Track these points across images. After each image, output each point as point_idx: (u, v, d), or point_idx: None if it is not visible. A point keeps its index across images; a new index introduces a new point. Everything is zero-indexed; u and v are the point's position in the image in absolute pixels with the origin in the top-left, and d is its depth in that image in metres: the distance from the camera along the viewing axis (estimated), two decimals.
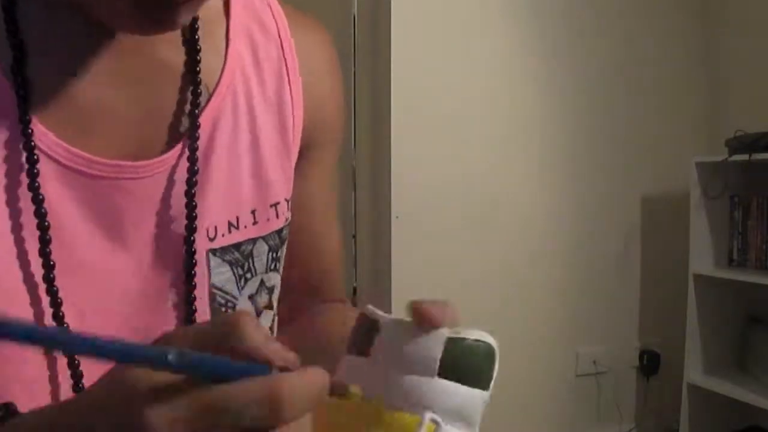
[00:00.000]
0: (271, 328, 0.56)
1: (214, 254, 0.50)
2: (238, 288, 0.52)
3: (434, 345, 0.36)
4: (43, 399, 0.43)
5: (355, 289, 2.33)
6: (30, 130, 0.42)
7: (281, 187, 0.55)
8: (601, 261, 2.47)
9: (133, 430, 0.27)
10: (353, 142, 2.31)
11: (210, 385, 0.27)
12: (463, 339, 0.37)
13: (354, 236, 2.33)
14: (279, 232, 0.55)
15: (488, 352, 0.38)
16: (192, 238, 0.48)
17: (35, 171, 0.42)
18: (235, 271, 0.52)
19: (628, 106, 2.48)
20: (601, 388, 2.49)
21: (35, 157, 0.42)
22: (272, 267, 0.55)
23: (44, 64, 0.44)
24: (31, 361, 0.43)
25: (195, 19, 0.50)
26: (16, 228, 0.42)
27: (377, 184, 2.25)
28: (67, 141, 0.44)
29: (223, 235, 0.50)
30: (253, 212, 0.53)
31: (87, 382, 0.44)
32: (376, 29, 2.23)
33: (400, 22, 2.15)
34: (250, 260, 0.53)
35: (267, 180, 0.54)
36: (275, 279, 0.56)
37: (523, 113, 2.33)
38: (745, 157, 2.06)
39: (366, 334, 0.38)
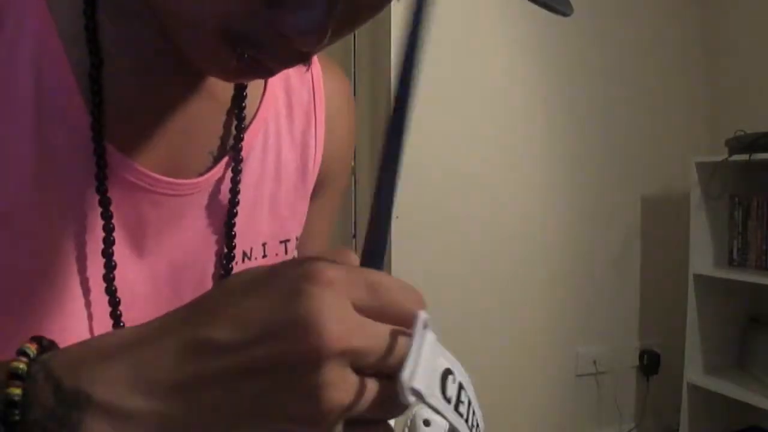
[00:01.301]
0: None
1: None
2: None
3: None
4: None
5: None
6: (101, 126, 0.43)
7: (293, 225, 0.57)
8: (601, 261, 2.47)
9: (306, 288, 0.28)
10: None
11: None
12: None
13: (354, 236, 2.33)
14: None
15: None
16: (232, 255, 0.50)
17: (104, 174, 0.43)
18: None
19: (628, 107, 2.48)
20: (601, 388, 2.49)
21: (104, 162, 0.43)
22: None
23: (117, 74, 0.45)
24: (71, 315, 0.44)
25: None
26: (81, 230, 0.43)
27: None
28: (118, 146, 0.45)
29: (236, 264, 0.51)
30: (263, 245, 0.54)
31: None
32: (376, 29, 2.23)
33: (401, 24, 2.14)
34: None
35: (282, 217, 0.55)
36: None
37: (524, 113, 2.33)
38: (745, 157, 2.06)
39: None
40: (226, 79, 0.44)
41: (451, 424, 0.31)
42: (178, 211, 0.48)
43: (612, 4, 2.44)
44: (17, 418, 0.28)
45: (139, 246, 0.47)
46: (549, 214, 2.38)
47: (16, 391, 0.28)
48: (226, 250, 0.50)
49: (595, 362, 2.46)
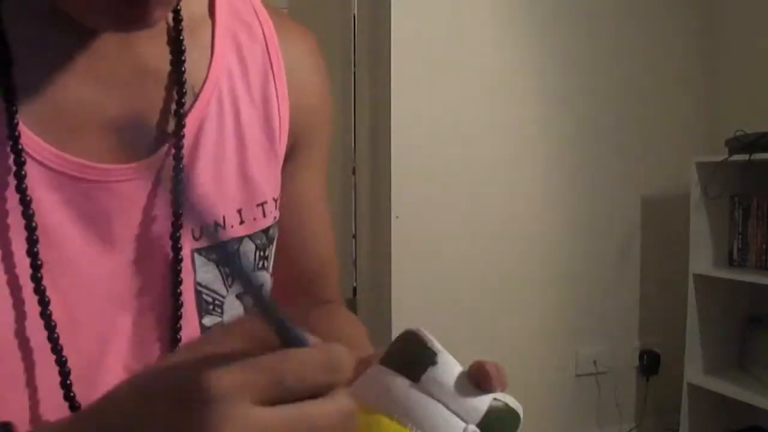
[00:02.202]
0: None
1: (199, 253, 0.50)
2: (225, 286, 0.52)
3: (484, 400, 0.39)
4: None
5: (355, 289, 2.34)
6: (17, 134, 0.42)
7: (268, 186, 0.55)
8: (601, 261, 2.47)
9: (197, 400, 0.26)
10: (353, 142, 2.31)
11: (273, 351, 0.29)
12: (505, 404, 0.41)
13: (354, 236, 2.33)
14: (266, 231, 0.56)
15: (517, 421, 0.42)
16: (177, 236, 0.49)
17: (23, 173, 0.42)
18: (222, 269, 0.52)
19: (628, 107, 2.48)
20: (601, 388, 2.49)
21: (23, 160, 0.42)
22: (260, 266, 0.56)
23: (29, 68, 0.44)
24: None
25: (179, 21, 0.51)
26: (3, 229, 0.43)
27: (377, 184, 2.25)
28: (55, 145, 0.44)
29: (200, 237, 0.51)
30: (239, 211, 0.53)
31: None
32: (376, 29, 2.23)
33: (400, 22, 2.15)
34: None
35: (253, 180, 0.54)
36: (264, 277, 0.57)
37: (523, 112, 2.33)
38: (745, 157, 2.06)
39: (420, 360, 0.40)
40: (116, 27, 0.43)
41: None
42: (134, 196, 0.47)
43: (612, 3, 2.44)
44: None
45: (109, 240, 0.46)
46: (549, 214, 2.38)
47: None
48: (171, 231, 0.48)
49: (595, 362, 2.46)
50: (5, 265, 0.43)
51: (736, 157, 2.09)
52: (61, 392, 0.44)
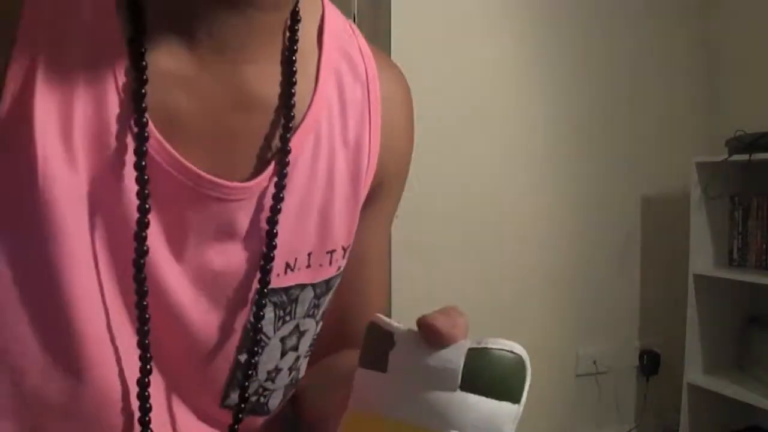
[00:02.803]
0: (291, 368, 0.54)
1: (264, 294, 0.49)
2: (274, 329, 0.51)
3: (455, 357, 0.35)
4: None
5: None
6: (145, 120, 0.42)
7: (342, 234, 0.53)
8: (601, 261, 2.47)
9: None
10: None
11: None
12: (486, 349, 0.35)
13: None
14: (328, 281, 0.53)
15: (516, 362, 0.36)
16: (267, 275, 0.47)
17: (143, 149, 0.42)
18: (277, 312, 0.50)
19: (628, 107, 2.48)
20: (601, 388, 2.49)
21: (146, 135, 0.42)
22: (310, 313, 0.53)
23: (162, 57, 0.43)
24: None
25: (294, 44, 0.49)
26: (114, 207, 0.42)
27: None
28: (164, 136, 0.43)
29: (278, 275, 0.49)
30: (309, 255, 0.51)
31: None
32: (376, 29, 2.23)
33: (400, 22, 2.14)
34: (294, 305, 0.51)
35: (332, 225, 0.52)
36: (309, 324, 0.54)
37: (523, 113, 2.33)
38: (745, 157, 2.06)
39: (380, 347, 0.36)
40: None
41: None
42: (222, 217, 0.46)
43: (613, 5, 2.44)
44: None
45: (178, 249, 0.45)
46: (549, 214, 2.38)
47: None
48: (263, 263, 0.47)
49: (595, 362, 2.45)
50: (110, 245, 0.43)
51: (736, 157, 2.09)
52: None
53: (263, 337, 0.50)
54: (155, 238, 0.44)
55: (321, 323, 0.55)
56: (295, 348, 0.53)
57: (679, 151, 2.49)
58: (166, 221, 0.44)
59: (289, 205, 0.48)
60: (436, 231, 2.21)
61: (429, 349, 0.35)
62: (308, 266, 0.51)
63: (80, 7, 0.41)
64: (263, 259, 0.47)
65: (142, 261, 0.42)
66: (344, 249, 0.54)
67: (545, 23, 2.34)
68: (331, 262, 0.53)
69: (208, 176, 0.44)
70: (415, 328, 0.37)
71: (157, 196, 0.43)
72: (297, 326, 0.52)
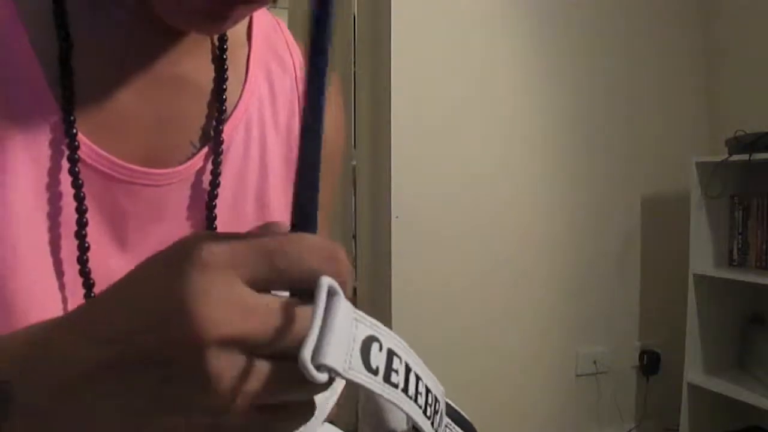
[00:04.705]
0: None
1: None
2: None
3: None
4: None
5: (355, 290, 2.33)
6: (72, 119, 0.43)
7: (282, 215, 0.55)
8: (601, 261, 2.47)
9: (186, 263, 0.26)
10: (353, 142, 2.31)
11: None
12: None
13: (354, 236, 2.33)
14: None
15: None
16: None
17: (75, 157, 0.43)
18: None
19: (627, 106, 2.48)
20: (601, 388, 2.49)
21: (76, 144, 0.43)
22: None
23: (84, 59, 0.45)
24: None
25: (224, 40, 0.52)
26: (56, 212, 0.44)
27: (377, 184, 2.25)
28: (91, 138, 0.45)
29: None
30: None
31: None
32: (376, 29, 2.23)
33: (400, 22, 2.15)
34: None
35: (270, 206, 0.54)
36: None
37: (523, 113, 2.33)
38: (745, 157, 2.06)
39: None
40: (196, 27, 0.44)
41: (382, 397, 0.28)
42: (158, 203, 0.48)
43: (613, 5, 2.44)
44: None
45: (121, 239, 0.47)
46: (549, 215, 2.38)
47: None
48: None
49: (595, 362, 2.45)
50: (52, 248, 0.43)
51: (736, 157, 2.09)
52: None
53: None
54: (100, 233, 0.45)
55: None
56: None
57: (679, 151, 2.49)
58: (108, 216, 0.46)
59: (224, 192, 0.50)
60: (434, 231, 2.21)
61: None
62: None
63: None
64: None
65: (85, 257, 0.44)
66: None
67: (545, 24, 2.34)
68: None
69: (141, 168, 0.46)
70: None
71: (95, 194, 0.45)
72: None
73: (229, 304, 0.26)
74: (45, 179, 0.43)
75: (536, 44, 2.34)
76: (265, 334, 0.26)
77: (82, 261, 0.44)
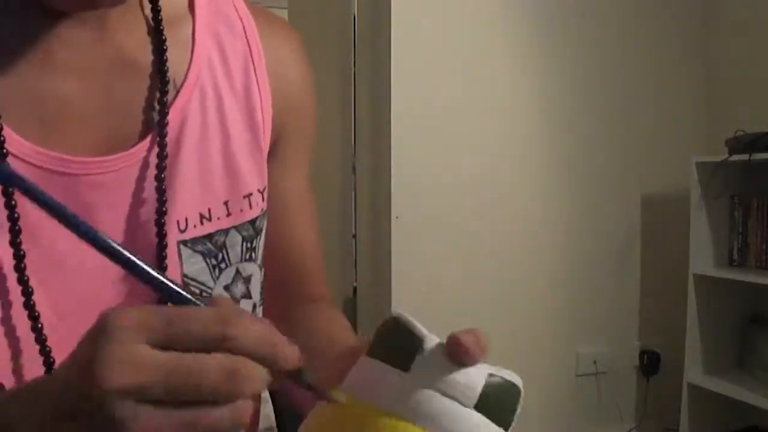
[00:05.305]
0: None
1: (185, 245, 0.51)
2: (212, 278, 0.53)
3: (477, 378, 0.38)
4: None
5: (355, 289, 2.33)
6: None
7: (253, 178, 0.56)
8: (601, 261, 2.47)
9: (99, 331, 0.30)
10: (353, 142, 2.31)
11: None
12: (501, 378, 0.39)
13: (354, 236, 2.32)
14: (252, 222, 0.56)
15: (517, 394, 0.40)
16: (163, 228, 0.49)
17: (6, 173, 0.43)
18: (208, 261, 0.52)
19: (627, 106, 2.48)
20: (601, 388, 2.49)
21: (4, 151, 0.43)
22: (247, 257, 0.56)
23: (2, 61, 0.44)
24: None
25: (158, 12, 0.52)
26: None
27: (377, 184, 2.25)
28: (33, 139, 0.44)
29: (195, 227, 0.52)
30: (225, 204, 0.54)
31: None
32: (376, 29, 2.23)
33: (400, 22, 2.14)
34: (224, 251, 0.54)
35: (239, 172, 0.54)
36: (251, 269, 0.57)
37: (523, 113, 2.33)
38: (745, 157, 2.06)
39: (407, 347, 0.38)
40: (85, 4, 0.44)
41: None
42: (117, 188, 0.48)
43: (612, 4, 2.44)
44: None
45: None
46: (549, 214, 2.38)
47: None
48: (156, 222, 0.50)
49: (595, 362, 2.45)
50: None
51: (736, 157, 2.09)
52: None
53: (203, 288, 0.52)
54: (60, 232, 0.46)
55: (263, 269, 0.59)
56: (248, 296, 0.56)
57: (679, 151, 2.49)
58: (70, 208, 0.46)
59: (188, 166, 0.51)
60: (435, 231, 2.21)
61: (454, 364, 0.38)
62: (228, 214, 0.54)
63: None
64: (157, 214, 0.49)
65: (21, 264, 0.44)
66: (260, 192, 0.57)
67: (545, 24, 2.34)
68: (251, 206, 0.56)
69: (88, 158, 0.46)
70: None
71: (48, 188, 0.45)
72: (238, 271, 0.55)
73: (124, 362, 0.30)
74: None
75: (536, 44, 2.33)
76: (155, 384, 0.30)
77: (19, 269, 0.44)
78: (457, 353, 0.38)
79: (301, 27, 2.50)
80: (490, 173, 2.28)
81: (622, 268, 2.51)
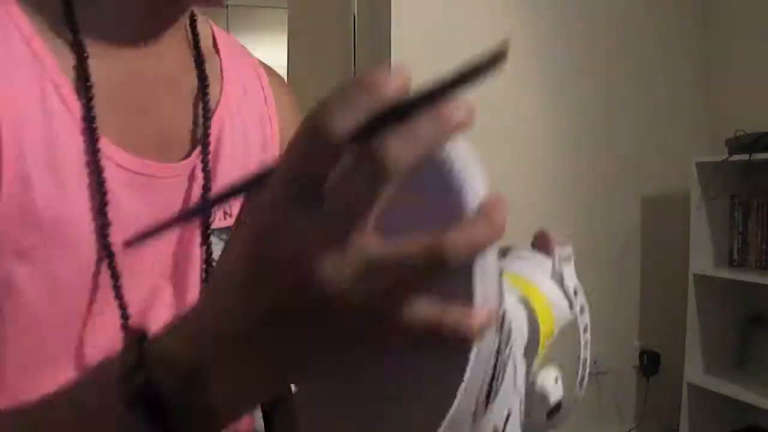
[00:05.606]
0: None
1: (212, 234, 0.57)
2: None
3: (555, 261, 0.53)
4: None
5: None
6: (94, 126, 0.47)
7: None
8: (601, 261, 2.47)
9: (305, 285, 0.27)
10: None
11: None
12: None
13: None
14: None
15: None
16: (209, 223, 0.57)
17: (98, 159, 0.47)
18: None
19: (627, 106, 2.48)
20: (601, 388, 2.49)
21: (96, 135, 0.47)
22: None
23: (100, 66, 0.49)
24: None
25: (198, 44, 0.59)
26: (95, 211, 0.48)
27: None
28: (120, 145, 0.49)
29: (219, 220, 0.58)
30: None
31: None
32: (376, 29, 2.23)
33: (400, 22, 2.15)
34: None
35: None
36: None
37: (523, 113, 2.33)
38: (745, 157, 2.06)
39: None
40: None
41: None
42: (174, 191, 0.54)
43: (612, 4, 2.44)
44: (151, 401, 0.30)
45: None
46: (548, 214, 2.38)
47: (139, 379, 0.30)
48: (202, 227, 0.56)
49: (595, 362, 2.46)
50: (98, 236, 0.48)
51: (736, 157, 2.09)
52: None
53: None
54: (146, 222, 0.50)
55: None
56: None
57: (679, 151, 2.49)
58: (122, 215, 0.50)
59: (222, 174, 0.58)
60: None
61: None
62: None
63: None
64: (202, 227, 0.56)
65: (106, 231, 0.48)
66: None
67: (545, 23, 2.34)
68: None
69: (155, 163, 0.52)
70: None
71: (135, 189, 0.50)
72: None
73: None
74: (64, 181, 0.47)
75: (536, 45, 2.34)
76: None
77: (110, 255, 0.48)
78: (546, 244, 0.58)
79: (301, 27, 2.49)
80: (490, 174, 2.27)
81: (622, 268, 2.51)
